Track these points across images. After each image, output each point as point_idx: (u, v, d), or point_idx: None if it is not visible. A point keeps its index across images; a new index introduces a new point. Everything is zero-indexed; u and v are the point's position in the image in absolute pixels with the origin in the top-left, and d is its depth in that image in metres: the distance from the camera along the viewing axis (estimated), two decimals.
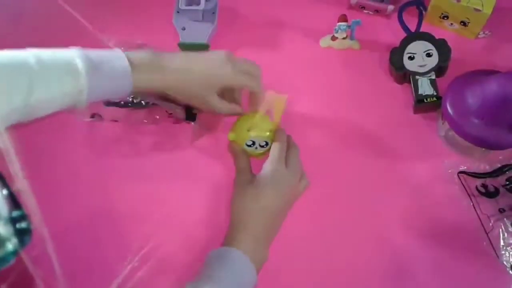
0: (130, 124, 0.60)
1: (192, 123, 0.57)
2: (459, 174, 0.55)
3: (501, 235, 0.51)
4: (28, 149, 0.60)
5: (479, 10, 0.59)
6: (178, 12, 0.66)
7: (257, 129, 0.53)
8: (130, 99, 0.57)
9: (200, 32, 0.65)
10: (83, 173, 0.59)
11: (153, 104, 0.57)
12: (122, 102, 0.58)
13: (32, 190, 0.57)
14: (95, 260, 0.54)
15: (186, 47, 0.64)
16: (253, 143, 0.53)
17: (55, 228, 0.56)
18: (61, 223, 0.56)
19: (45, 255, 0.55)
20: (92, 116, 0.58)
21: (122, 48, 0.60)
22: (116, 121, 0.59)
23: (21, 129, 0.61)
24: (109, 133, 0.61)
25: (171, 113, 0.59)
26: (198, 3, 0.63)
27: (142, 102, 0.57)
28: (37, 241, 0.55)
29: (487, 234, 0.52)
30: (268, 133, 0.53)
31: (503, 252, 0.50)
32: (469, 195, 0.54)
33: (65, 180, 0.59)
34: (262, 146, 0.54)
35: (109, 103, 0.57)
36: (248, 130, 0.53)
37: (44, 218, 0.56)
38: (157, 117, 0.59)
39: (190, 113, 0.57)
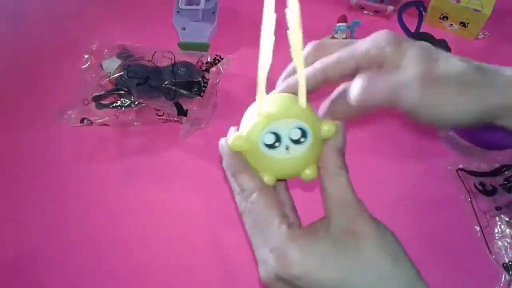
0: (119, 126, 0.60)
1: (184, 118, 0.57)
2: (458, 171, 0.55)
3: (495, 231, 0.51)
4: (18, 155, 0.61)
5: (478, 11, 0.60)
6: (178, 12, 0.66)
7: (281, 109, 0.30)
8: (119, 101, 0.58)
9: (200, 31, 0.65)
10: (74, 177, 0.59)
11: (142, 104, 0.57)
12: (113, 104, 0.58)
13: (23, 196, 0.58)
14: (87, 265, 0.54)
15: (186, 46, 0.64)
16: (277, 138, 0.29)
17: (48, 232, 0.57)
18: (53, 228, 0.56)
19: (38, 259, 0.55)
20: (82, 120, 0.58)
21: (106, 50, 0.61)
22: (106, 125, 0.59)
23: (10, 135, 0.61)
24: (100, 136, 0.60)
25: (161, 114, 0.59)
26: (198, 3, 0.64)
27: (131, 103, 0.57)
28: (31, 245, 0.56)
29: (482, 230, 0.52)
30: (302, 113, 0.29)
31: (496, 249, 0.51)
32: (467, 191, 0.54)
33: (57, 185, 0.59)
34: (297, 142, 0.29)
35: (100, 105, 0.58)
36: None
37: (36, 223, 0.57)
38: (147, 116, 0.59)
39: (181, 109, 0.57)
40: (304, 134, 0.29)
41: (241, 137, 0.30)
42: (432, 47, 0.33)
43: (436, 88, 0.30)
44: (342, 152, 0.30)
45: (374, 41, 0.32)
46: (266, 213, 0.29)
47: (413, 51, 0.31)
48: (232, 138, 0.30)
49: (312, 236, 0.28)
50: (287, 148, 0.29)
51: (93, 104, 0.58)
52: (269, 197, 0.29)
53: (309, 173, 0.30)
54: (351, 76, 0.32)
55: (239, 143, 0.30)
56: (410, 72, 0.30)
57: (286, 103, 0.30)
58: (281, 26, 0.72)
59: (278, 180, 0.32)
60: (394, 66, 0.31)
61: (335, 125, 0.30)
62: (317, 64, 0.33)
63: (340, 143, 0.30)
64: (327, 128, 0.30)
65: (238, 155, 0.31)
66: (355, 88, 0.31)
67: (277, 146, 0.29)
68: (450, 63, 0.31)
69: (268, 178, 0.30)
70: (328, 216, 0.29)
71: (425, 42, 0.33)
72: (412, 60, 0.30)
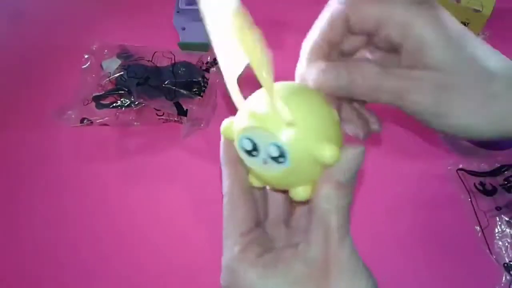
0: (120, 126, 0.60)
1: (184, 118, 0.57)
2: (458, 171, 0.55)
3: (496, 231, 0.52)
4: (18, 155, 0.61)
5: (478, 11, 0.60)
6: (178, 12, 0.66)
7: (265, 114, 0.23)
8: (119, 101, 0.58)
9: (200, 31, 0.64)
10: (74, 177, 0.59)
11: (142, 104, 0.57)
12: (113, 104, 0.58)
13: (23, 195, 0.58)
14: (87, 264, 0.54)
15: (186, 46, 0.64)
16: (254, 147, 0.24)
17: (47, 232, 0.57)
18: (53, 228, 0.56)
19: (39, 259, 0.55)
20: (82, 120, 0.58)
21: (106, 50, 0.61)
22: (106, 125, 0.59)
23: (9, 135, 0.61)
24: (99, 136, 0.60)
25: (162, 114, 0.59)
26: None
27: (132, 103, 0.57)
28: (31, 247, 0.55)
29: (482, 230, 0.52)
30: (284, 129, 0.23)
31: (496, 248, 0.51)
32: (467, 190, 0.54)
33: (57, 185, 0.59)
34: (276, 160, 0.24)
35: (100, 105, 0.58)
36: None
37: (36, 222, 0.57)
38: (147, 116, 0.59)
39: (181, 109, 0.57)
40: (282, 155, 0.23)
41: (227, 128, 0.26)
42: (465, 34, 0.25)
43: (456, 98, 0.24)
44: (342, 185, 0.23)
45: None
46: (227, 224, 0.27)
47: (440, 38, 0.24)
48: (223, 123, 0.26)
49: (266, 269, 0.24)
50: (265, 163, 0.24)
51: (93, 104, 0.58)
52: (236, 207, 0.26)
53: (300, 193, 0.25)
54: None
55: (224, 132, 0.26)
56: (430, 64, 0.24)
57: (272, 108, 0.23)
58: (281, 26, 0.72)
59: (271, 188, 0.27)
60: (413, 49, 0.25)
61: (338, 151, 0.24)
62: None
63: (339, 174, 0.24)
64: (328, 154, 0.23)
65: (228, 144, 0.27)
66: (366, 76, 0.25)
67: (255, 156, 0.24)
68: (485, 66, 0.25)
69: (254, 181, 0.26)
70: (301, 250, 0.24)
71: (458, 28, 0.25)
72: (435, 53, 0.24)
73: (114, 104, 0.58)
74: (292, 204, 0.29)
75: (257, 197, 0.28)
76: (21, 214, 0.57)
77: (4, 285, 0.54)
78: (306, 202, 0.25)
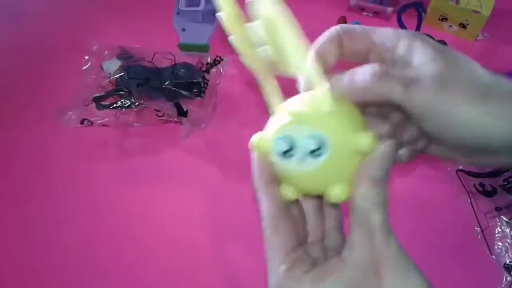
0: (120, 127, 0.60)
1: (184, 119, 0.57)
2: (458, 172, 0.55)
3: (496, 232, 0.52)
4: (18, 155, 0.61)
5: (477, 12, 0.60)
6: (178, 13, 0.66)
7: (302, 109, 0.25)
8: (120, 102, 0.58)
9: (200, 33, 0.65)
10: (75, 178, 0.59)
11: (142, 105, 0.57)
12: (113, 104, 0.58)
13: (23, 196, 0.58)
14: (86, 265, 0.54)
15: (186, 47, 0.64)
16: (292, 146, 0.24)
17: (47, 232, 0.56)
18: (54, 229, 0.56)
19: (40, 259, 0.55)
20: (82, 121, 0.58)
21: (106, 51, 0.61)
22: (106, 125, 0.59)
23: (10, 136, 0.61)
24: (99, 137, 0.60)
25: (162, 115, 0.59)
26: (198, 4, 0.64)
27: (132, 104, 0.57)
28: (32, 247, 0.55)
29: (482, 231, 0.52)
30: (322, 119, 0.24)
31: (497, 249, 0.51)
32: (467, 192, 0.54)
33: (57, 185, 0.59)
34: (314, 154, 0.24)
35: (100, 106, 0.58)
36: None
37: (36, 223, 0.57)
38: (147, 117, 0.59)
39: (181, 110, 0.57)
40: (319, 147, 0.23)
41: (259, 141, 0.26)
42: (450, 49, 0.27)
43: (454, 92, 0.24)
44: (377, 182, 0.24)
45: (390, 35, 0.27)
46: (270, 245, 0.26)
47: (427, 50, 0.26)
48: (252, 139, 0.26)
49: (315, 284, 0.24)
50: (301, 160, 0.24)
51: (93, 105, 0.58)
52: (278, 227, 0.26)
53: (337, 193, 0.24)
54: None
55: (257, 145, 0.26)
56: (424, 71, 0.25)
57: (311, 103, 0.24)
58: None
59: (306, 195, 0.27)
60: (405, 64, 0.26)
61: (374, 139, 0.24)
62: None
63: (375, 170, 0.24)
64: (366, 142, 0.24)
65: (262, 163, 0.26)
66: (365, 73, 0.25)
67: (291, 156, 0.24)
68: (474, 70, 0.25)
69: (287, 192, 0.26)
70: (346, 256, 0.24)
71: (443, 45, 0.27)
72: (425, 59, 0.25)
73: (114, 105, 0.58)
74: (323, 221, 0.29)
75: (296, 217, 0.28)
76: (21, 213, 0.57)
77: (3, 284, 0.54)
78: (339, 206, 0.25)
